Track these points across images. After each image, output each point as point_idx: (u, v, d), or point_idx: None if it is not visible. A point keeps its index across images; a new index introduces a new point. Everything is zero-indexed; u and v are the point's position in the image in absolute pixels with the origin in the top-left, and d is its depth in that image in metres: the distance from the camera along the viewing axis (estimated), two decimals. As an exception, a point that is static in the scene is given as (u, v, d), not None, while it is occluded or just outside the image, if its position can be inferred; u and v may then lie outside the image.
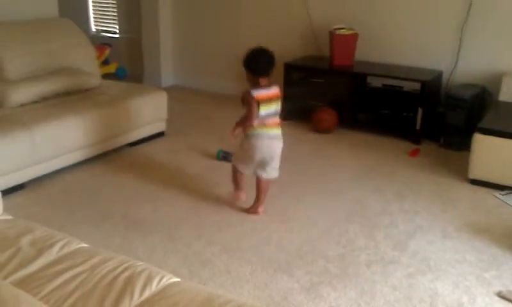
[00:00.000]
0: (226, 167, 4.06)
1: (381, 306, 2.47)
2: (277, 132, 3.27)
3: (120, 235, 3.07)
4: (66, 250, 2.07)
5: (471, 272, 2.78)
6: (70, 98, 4.17)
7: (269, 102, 3.18)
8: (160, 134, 4.68)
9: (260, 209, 3.37)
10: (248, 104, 3.14)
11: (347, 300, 2.51)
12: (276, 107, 3.24)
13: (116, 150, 4.28)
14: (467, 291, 2.61)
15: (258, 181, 3.36)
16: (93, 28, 7.35)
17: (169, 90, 5.29)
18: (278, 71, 5.24)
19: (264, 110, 3.15)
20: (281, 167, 3.53)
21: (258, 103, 3.12)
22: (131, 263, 1.98)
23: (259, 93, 3.14)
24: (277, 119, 3.27)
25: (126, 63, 6.93)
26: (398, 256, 2.91)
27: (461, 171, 3.99)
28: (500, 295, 2.58)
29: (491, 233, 3.18)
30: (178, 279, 1.92)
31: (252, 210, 3.38)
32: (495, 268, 2.81)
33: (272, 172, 3.34)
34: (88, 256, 2.02)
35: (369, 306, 2.48)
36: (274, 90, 3.23)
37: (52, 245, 2.07)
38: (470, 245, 3.05)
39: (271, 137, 3.24)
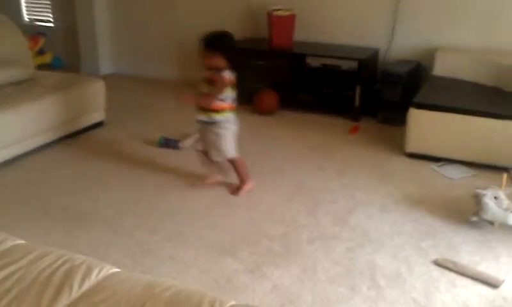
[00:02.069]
0: (167, 154, 4.05)
1: (323, 281, 2.54)
2: None
3: (60, 229, 3.00)
4: (1, 248, 2.01)
5: (409, 243, 2.88)
6: (1, 92, 4.02)
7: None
8: (99, 124, 4.59)
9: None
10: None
11: (290, 277, 2.56)
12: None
13: (54, 143, 4.17)
14: (405, 261, 2.71)
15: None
16: (26, 18, 7.09)
17: (108, 78, 5.20)
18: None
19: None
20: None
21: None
22: (69, 257, 1.95)
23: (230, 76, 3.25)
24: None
25: (62, 52, 6.72)
26: (339, 232, 2.98)
27: (398, 146, 4.10)
28: (437, 263, 2.69)
29: (427, 204, 3.30)
30: (118, 270, 1.91)
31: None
32: (431, 238, 2.92)
33: None
34: (24, 253, 1.97)
35: (312, 281, 2.53)
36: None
37: (-15, 244, 2.01)
38: (407, 216, 3.16)
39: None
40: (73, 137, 4.33)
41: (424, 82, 4.58)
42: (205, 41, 3.22)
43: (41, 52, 6.49)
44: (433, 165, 3.84)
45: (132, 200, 3.37)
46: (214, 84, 3.22)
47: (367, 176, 3.70)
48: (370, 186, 3.55)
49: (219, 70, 3.20)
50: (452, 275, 2.59)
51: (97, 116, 4.56)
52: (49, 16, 6.92)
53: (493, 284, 2.52)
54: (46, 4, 6.89)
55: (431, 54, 4.71)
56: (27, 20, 7.08)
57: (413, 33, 4.89)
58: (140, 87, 5.92)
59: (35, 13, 7.05)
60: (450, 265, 2.65)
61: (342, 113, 4.86)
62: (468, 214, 3.05)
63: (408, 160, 3.95)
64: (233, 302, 1.69)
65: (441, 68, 4.60)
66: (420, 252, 2.79)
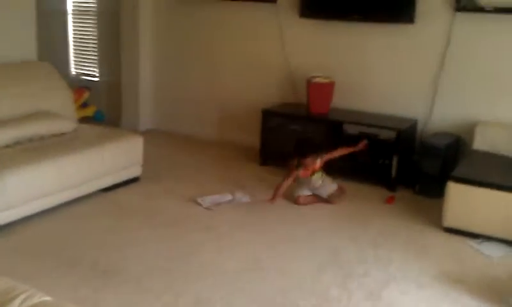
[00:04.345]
0: (201, 213, 4.05)
1: None
2: None
3: (88, 285, 2.98)
4: (28, 303, 2.00)
5: (444, 324, 2.76)
6: (43, 143, 4.12)
7: None
8: (135, 179, 4.63)
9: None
10: None
11: (318, 353, 2.47)
12: None
13: (90, 195, 4.21)
14: (440, 344, 2.59)
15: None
16: (73, 71, 7.35)
17: (147, 134, 5.29)
18: (256, 117, 5.31)
19: None
20: (255, 215, 3.56)
21: None
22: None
23: None
24: None
25: (105, 106, 6.90)
26: (371, 307, 2.88)
27: (435, 219, 3.99)
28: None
29: (465, 283, 3.17)
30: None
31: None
32: (468, 320, 2.80)
33: None
34: (50, 311, 1.96)
35: None
36: None
37: (13, 299, 1.99)
38: (444, 295, 3.04)
39: None
40: (109, 191, 4.38)
41: (464, 156, 4.50)
42: None
43: (84, 105, 6.68)
44: (471, 242, 3.72)
45: (162, 258, 3.34)
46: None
47: (402, 249, 3.60)
48: (405, 260, 3.45)
49: None
50: None
51: (134, 171, 4.60)
52: (95, 71, 7.16)
53: None
54: (93, 59, 7.14)
55: (471, 128, 4.64)
56: (74, 73, 7.33)
57: (453, 106, 4.84)
58: (177, 144, 5.99)
59: (82, 67, 7.30)
60: (488, 352, 2.52)
61: (379, 182, 4.79)
62: (507, 296, 2.91)
63: (445, 235, 3.83)
64: None
65: (481, 142, 4.51)
66: (457, 335, 2.67)
